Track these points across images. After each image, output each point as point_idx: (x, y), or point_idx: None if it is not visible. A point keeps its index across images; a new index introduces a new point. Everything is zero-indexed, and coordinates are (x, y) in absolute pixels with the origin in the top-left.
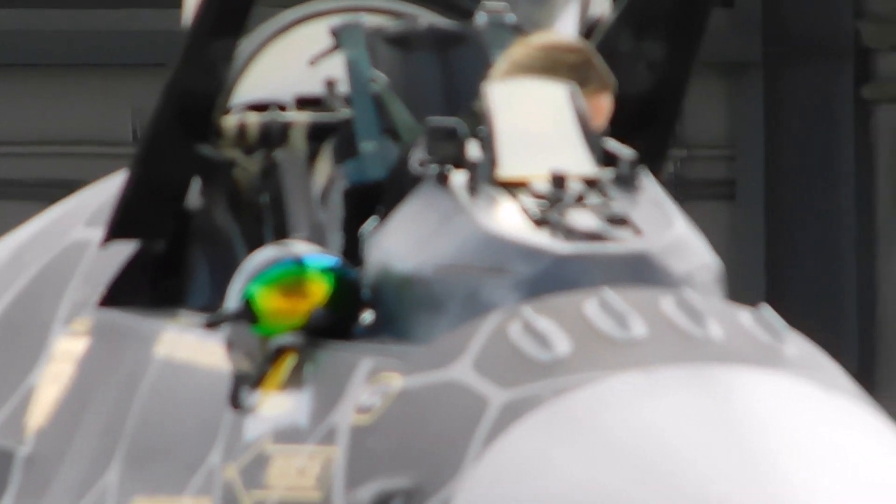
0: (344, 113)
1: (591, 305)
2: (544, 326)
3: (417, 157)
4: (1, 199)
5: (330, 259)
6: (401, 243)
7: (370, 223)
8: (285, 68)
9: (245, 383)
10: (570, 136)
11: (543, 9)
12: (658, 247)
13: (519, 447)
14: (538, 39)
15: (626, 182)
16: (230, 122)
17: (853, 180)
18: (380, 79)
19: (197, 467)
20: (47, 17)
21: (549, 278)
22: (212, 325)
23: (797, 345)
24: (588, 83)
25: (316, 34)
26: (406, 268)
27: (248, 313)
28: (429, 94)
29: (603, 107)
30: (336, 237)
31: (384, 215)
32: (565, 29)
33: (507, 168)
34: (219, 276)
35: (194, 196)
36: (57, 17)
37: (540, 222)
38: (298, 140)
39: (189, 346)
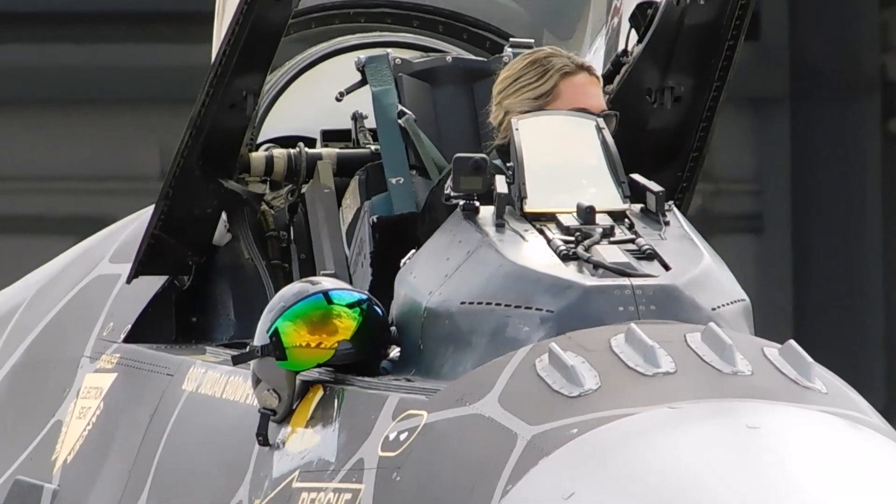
0: (371, 147)
1: (619, 340)
2: (572, 361)
3: (445, 191)
4: (28, 235)
5: (357, 294)
6: (427, 278)
7: (407, 257)
8: (312, 103)
9: (272, 419)
10: (598, 170)
11: (570, 43)
12: (686, 281)
13: (547, 482)
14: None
15: (654, 216)
16: (257, 157)
17: (880, 214)
18: (407, 113)
19: (225, 503)
20: (74, 53)
21: (576, 313)
22: (239, 360)
23: (825, 380)
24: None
25: (342, 69)
26: (432, 303)
27: (275, 349)
28: (456, 128)
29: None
30: (364, 271)
31: (417, 249)
32: (592, 63)
33: (535, 202)
34: (245, 312)
35: (221, 231)
36: (84, 53)
37: (567, 257)
38: (326, 175)
39: (216, 381)
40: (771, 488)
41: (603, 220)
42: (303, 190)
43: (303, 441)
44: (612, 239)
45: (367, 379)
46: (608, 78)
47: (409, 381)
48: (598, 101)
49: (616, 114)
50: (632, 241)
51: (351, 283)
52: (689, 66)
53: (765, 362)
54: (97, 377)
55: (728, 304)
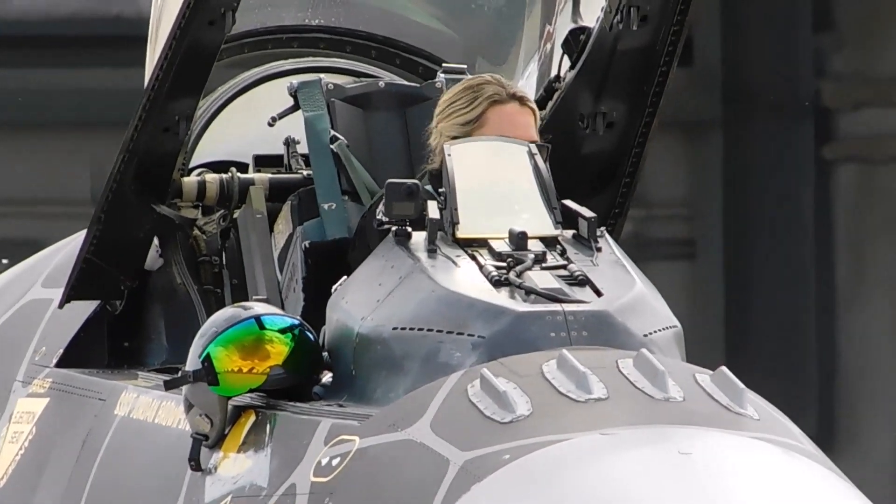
0: (303, 172)
1: (551, 366)
2: (504, 387)
3: (377, 216)
4: None
5: (289, 319)
6: (359, 303)
7: (339, 282)
8: (245, 128)
9: (204, 444)
10: (531, 196)
11: (503, 68)
12: (618, 307)
13: None
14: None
15: (586, 242)
16: (189, 181)
17: (813, 240)
18: (339, 138)
19: None
20: (5, 77)
21: (509, 338)
22: (171, 385)
23: (757, 406)
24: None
25: (275, 94)
26: (364, 328)
27: (207, 374)
28: (388, 154)
29: None
30: (296, 296)
31: (349, 274)
32: (526, 90)
33: (467, 227)
34: (178, 336)
35: (153, 256)
36: (16, 77)
37: (499, 282)
38: (258, 200)
39: (148, 406)
40: None
41: (535, 246)
42: (235, 215)
43: (235, 466)
44: (544, 265)
45: (299, 404)
46: (541, 104)
47: (341, 406)
48: (528, 131)
49: (548, 146)
50: (564, 266)
51: (283, 308)
52: (621, 91)
53: (697, 388)
54: (29, 402)
55: (660, 330)
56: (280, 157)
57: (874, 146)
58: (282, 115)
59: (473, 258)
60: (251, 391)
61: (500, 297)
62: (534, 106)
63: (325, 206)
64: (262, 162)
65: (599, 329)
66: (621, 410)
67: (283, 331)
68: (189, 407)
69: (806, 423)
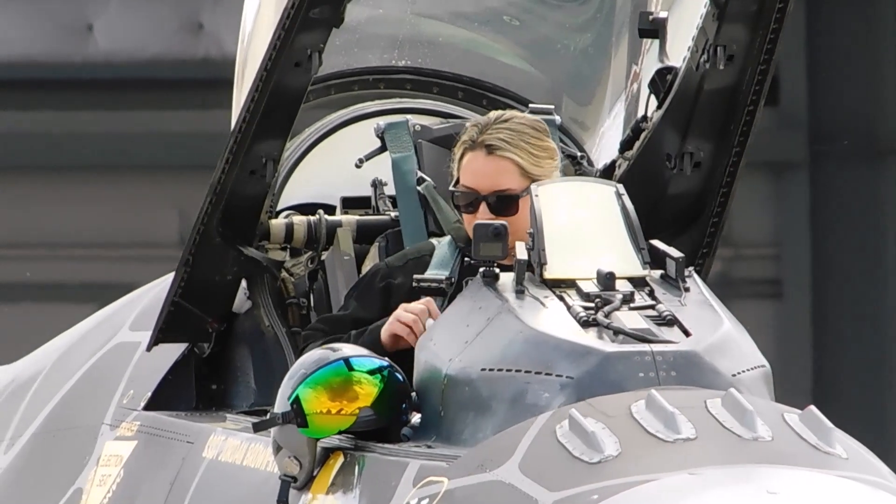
0: (391, 214)
1: (639, 406)
2: (592, 427)
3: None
4: (49, 302)
5: (377, 361)
6: (447, 344)
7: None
8: (331, 170)
9: (293, 486)
10: (618, 236)
11: (589, 109)
12: (706, 347)
13: None
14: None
15: (674, 282)
16: (277, 224)
17: None
18: (426, 180)
19: None
20: (95, 120)
21: (597, 379)
22: (260, 427)
23: (845, 445)
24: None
25: (362, 136)
26: (452, 369)
27: (296, 416)
28: None
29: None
30: None
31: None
32: (612, 128)
33: (555, 268)
34: (265, 379)
35: (241, 298)
36: (105, 120)
37: (587, 323)
38: (345, 242)
39: (236, 448)
40: None
41: (623, 287)
42: (322, 257)
43: None
44: (631, 305)
45: (387, 445)
46: (628, 144)
47: (429, 447)
48: (492, 180)
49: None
50: (652, 307)
51: None
52: (708, 131)
53: (785, 428)
54: (117, 445)
55: (748, 369)
56: (367, 198)
57: None
58: (369, 157)
59: (561, 299)
60: (340, 433)
61: (588, 338)
62: (512, 155)
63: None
64: (350, 204)
65: (688, 369)
66: (710, 450)
67: (371, 372)
68: (278, 449)
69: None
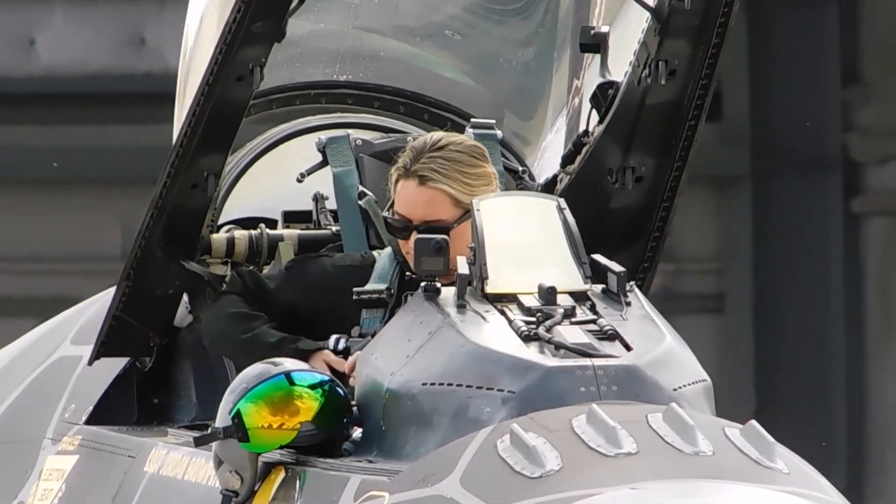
0: (332, 228)
1: (580, 421)
2: (533, 442)
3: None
4: None
5: (319, 375)
6: (389, 359)
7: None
8: (273, 184)
9: (234, 500)
10: (560, 251)
11: (532, 123)
12: (647, 361)
13: None
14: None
15: (616, 297)
16: (218, 238)
17: (842, 294)
18: (367, 194)
19: None
20: (34, 134)
21: (538, 393)
22: (201, 442)
23: (787, 460)
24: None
25: (303, 150)
26: (394, 384)
27: (237, 430)
28: None
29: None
30: None
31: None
32: (554, 143)
33: (496, 283)
34: (207, 393)
35: (182, 313)
36: (46, 134)
37: (529, 337)
38: (287, 256)
39: (178, 463)
40: None
41: (564, 301)
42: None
43: None
44: (573, 319)
45: (328, 460)
46: (569, 158)
47: (370, 462)
48: (423, 211)
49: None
50: (593, 321)
51: None
52: (650, 145)
53: (726, 442)
54: (59, 459)
55: (690, 384)
56: (309, 212)
57: None
58: (310, 171)
59: (503, 313)
60: (281, 447)
61: (530, 352)
62: (444, 186)
63: None
64: (291, 218)
65: (629, 383)
66: (651, 465)
67: (312, 386)
68: (219, 463)
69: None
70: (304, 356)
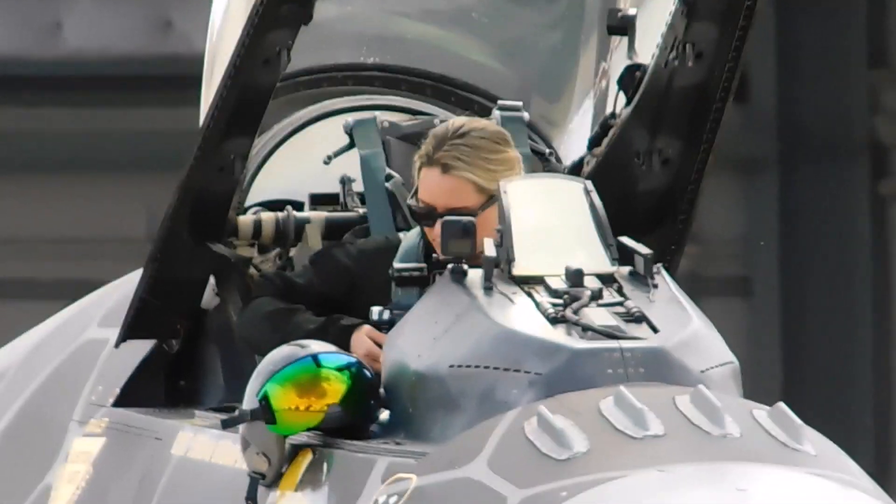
0: (359, 211)
1: (608, 403)
2: (561, 424)
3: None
4: (17, 299)
5: (346, 358)
6: (416, 341)
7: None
8: (300, 166)
9: (261, 483)
10: (586, 233)
11: (558, 106)
12: (675, 344)
13: None
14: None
15: (643, 279)
16: (245, 220)
17: (869, 277)
18: (394, 176)
19: None
20: (62, 118)
21: (565, 376)
22: (229, 424)
23: (814, 441)
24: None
25: (330, 132)
26: (421, 366)
27: (264, 412)
28: None
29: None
30: None
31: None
32: (581, 126)
33: (523, 265)
34: (234, 376)
35: (209, 295)
36: (72, 118)
37: (556, 319)
38: (314, 238)
39: (205, 445)
40: None
41: (591, 283)
42: (291, 254)
43: None
44: (600, 302)
45: (356, 442)
46: (596, 141)
47: (398, 444)
48: (445, 200)
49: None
50: (620, 303)
51: None
52: (677, 128)
53: (754, 425)
54: (86, 441)
55: (717, 366)
56: (336, 195)
57: None
58: (337, 154)
59: (530, 295)
60: (308, 430)
61: (557, 335)
62: (467, 174)
63: None
64: (318, 200)
65: (656, 366)
66: (678, 447)
67: (340, 369)
68: (246, 446)
69: (863, 459)
70: (349, 333)
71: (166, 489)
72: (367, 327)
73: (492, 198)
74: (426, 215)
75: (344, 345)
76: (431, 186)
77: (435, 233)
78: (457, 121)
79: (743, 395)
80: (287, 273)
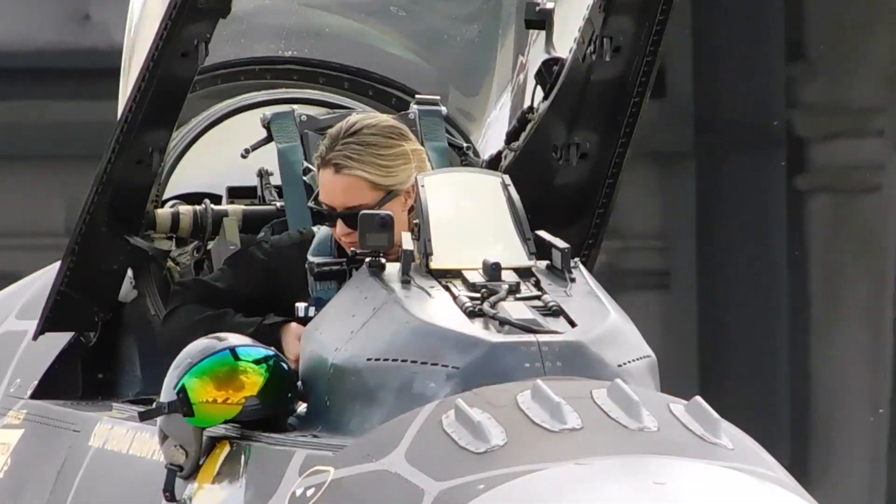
0: (276, 204)
1: (525, 396)
2: (478, 417)
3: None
4: None
5: (263, 350)
6: (333, 334)
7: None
8: (218, 160)
9: (179, 475)
10: (504, 227)
11: (476, 99)
12: (592, 337)
13: None
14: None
15: (560, 273)
16: (163, 213)
17: (786, 270)
18: (312, 170)
19: None
20: None
21: (483, 369)
22: (146, 416)
23: (731, 436)
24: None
25: (248, 126)
26: (338, 359)
27: (182, 405)
28: None
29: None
30: None
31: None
32: (498, 119)
33: (441, 259)
34: (152, 368)
35: (127, 288)
36: None
37: (473, 313)
38: (231, 231)
39: (123, 437)
40: None
41: (509, 277)
42: (209, 246)
43: (210, 497)
44: (517, 295)
45: (273, 435)
46: (514, 135)
47: (315, 437)
48: (339, 198)
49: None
50: (538, 297)
51: None
52: (595, 122)
53: (671, 418)
54: (4, 433)
55: (634, 360)
56: (253, 188)
57: (846, 177)
58: (255, 147)
59: (447, 289)
60: (226, 422)
61: (474, 328)
62: (359, 172)
63: None
64: (236, 193)
65: (573, 359)
66: (596, 440)
67: (257, 361)
68: (164, 438)
69: (779, 453)
70: (277, 331)
71: (84, 480)
72: (294, 326)
73: (390, 192)
74: (326, 216)
75: (275, 343)
76: (327, 187)
77: (338, 232)
78: (351, 119)
79: (660, 389)
80: (203, 278)
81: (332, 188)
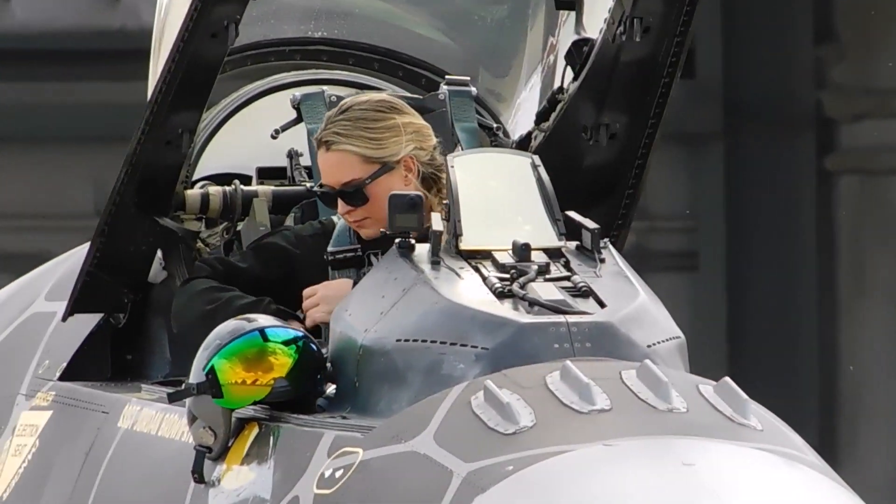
0: (306, 185)
1: (554, 377)
2: (507, 398)
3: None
4: None
5: (293, 332)
6: (362, 315)
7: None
8: (247, 140)
9: (208, 456)
10: (534, 208)
11: (506, 80)
12: (621, 318)
13: None
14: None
15: (590, 254)
16: (192, 194)
17: (815, 251)
18: None
19: None
20: (11, 91)
21: (512, 350)
22: (175, 398)
23: (760, 417)
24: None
25: (278, 106)
26: (367, 340)
27: (211, 386)
28: None
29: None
30: None
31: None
32: (528, 100)
33: (470, 239)
34: (181, 349)
35: (156, 269)
36: (18, 91)
37: (502, 294)
38: (261, 212)
39: (151, 418)
40: None
41: (538, 258)
42: (238, 227)
43: (238, 478)
44: (547, 276)
45: (302, 416)
46: (544, 115)
47: (344, 418)
48: (333, 177)
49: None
50: (567, 278)
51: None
52: (624, 103)
53: (700, 399)
54: (33, 415)
55: (663, 341)
56: (283, 169)
57: (874, 157)
58: (285, 128)
59: (477, 270)
60: (255, 403)
61: (504, 309)
62: (347, 146)
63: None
64: (265, 174)
65: (603, 340)
66: (624, 421)
67: (286, 343)
68: (192, 419)
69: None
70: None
71: (112, 462)
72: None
73: (384, 166)
74: (326, 197)
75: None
76: (322, 166)
77: (340, 212)
78: (346, 100)
79: (689, 370)
80: (227, 258)
81: (326, 167)
